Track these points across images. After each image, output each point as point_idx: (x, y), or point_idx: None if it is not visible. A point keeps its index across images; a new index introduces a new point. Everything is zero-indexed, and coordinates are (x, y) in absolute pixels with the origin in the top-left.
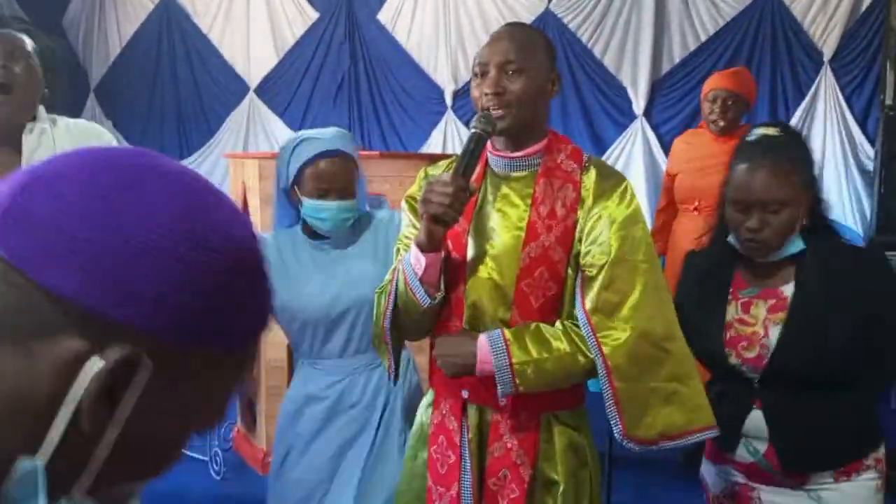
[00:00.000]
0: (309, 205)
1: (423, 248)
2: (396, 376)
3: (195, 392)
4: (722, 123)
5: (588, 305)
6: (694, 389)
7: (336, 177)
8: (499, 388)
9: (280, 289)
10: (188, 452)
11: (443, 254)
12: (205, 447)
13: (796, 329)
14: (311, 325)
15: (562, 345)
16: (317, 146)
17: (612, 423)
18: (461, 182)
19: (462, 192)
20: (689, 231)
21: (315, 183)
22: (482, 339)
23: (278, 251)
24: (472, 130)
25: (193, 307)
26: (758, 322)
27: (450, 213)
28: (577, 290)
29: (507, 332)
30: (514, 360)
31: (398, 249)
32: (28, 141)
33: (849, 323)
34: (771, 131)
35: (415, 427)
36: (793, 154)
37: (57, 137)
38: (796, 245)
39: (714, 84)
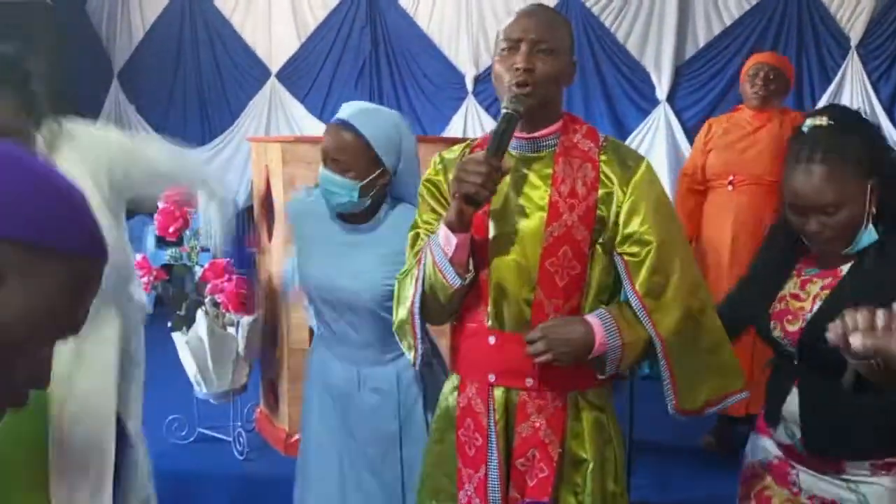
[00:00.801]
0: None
1: (453, 228)
2: (423, 362)
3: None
4: (763, 93)
5: (640, 290)
6: (727, 354)
7: (330, 147)
8: (607, 367)
9: (301, 248)
10: (212, 433)
11: (471, 235)
12: (228, 428)
13: (836, 304)
14: (317, 298)
15: (644, 325)
16: (339, 114)
17: (666, 398)
18: (494, 162)
19: (495, 172)
20: (724, 207)
21: (322, 147)
22: (593, 320)
23: (303, 217)
24: (504, 111)
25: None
26: (809, 297)
27: (483, 193)
28: (624, 276)
29: (614, 313)
30: (625, 340)
31: (417, 234)
32: None
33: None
34: (821, 121)
35: (439, 411)
36: (848, 145)
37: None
38: (869, 237)
39: (756, 60)
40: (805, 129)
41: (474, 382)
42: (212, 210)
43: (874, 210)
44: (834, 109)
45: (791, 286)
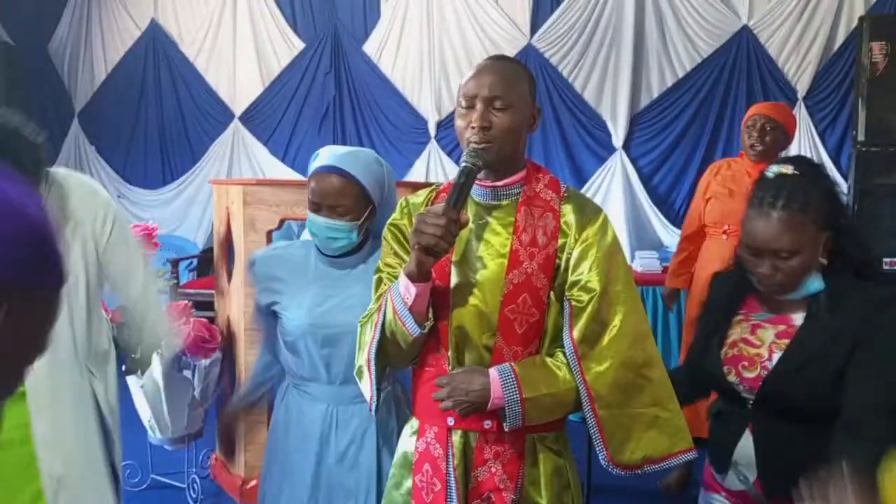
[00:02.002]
0: (308, 217)
1: (412, 278)
2: (377, 407)
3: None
4: (760, 147)
5: (576, 335)
6: (674, 413)
7: (326, 194)
8: (507, 421)
9: (284, 295)
10: (166, 479)
11: (431, 283)
12: (182, 474)
13: (796, 355)
14: (302, 341)
15: (567, 377)
16: (322, 160)
17: (597, 449)
18: (453, 214)
19: (454, 224)
20: (719, 254)
21: (310, 196)
22: (493, 374)
23: (291, 257)
24: (463, 164)
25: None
26: (763, 345)
27: (441, 245)
28: (566, 321)
29: (517, 367)
30: (525, 395)
31: (380, 278)
32: None
33: (845, 359)
34: (786, 169)
35: (397, 456)
36: (808, 196)
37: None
38: (815, 285)
39: (754, 111)
40: (771, 175)
41: (433, 426)
42: (155, 376)
43: (824, 261)
44: (801, 161)
45: (741, 331)
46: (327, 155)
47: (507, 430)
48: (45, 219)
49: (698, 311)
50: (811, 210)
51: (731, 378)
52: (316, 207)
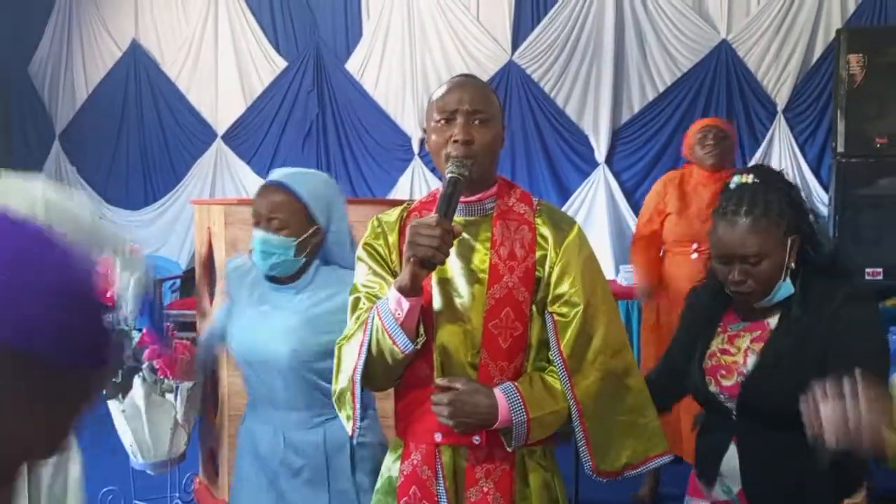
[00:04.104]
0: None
1: (405, 293)
2: (360, 433)
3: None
4: (716, 153)
5: (565, 350)
6: (650, 418)
7: (264, 206)
8: (513, 441)
9: (232, 311)
10: None
11: (422, 298)
12: (165, 499)
13: (771, 357)
14: (240, 360)
15: (563, 391)
16: (268, 177)
17: (583, 459)
18: (446, 224)
19: (448, 235)
20: (691, 274)
21: (253, 210)
22: (499, 394)
23: (238, 277)
24: (449, 175)
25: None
26: (739, 352)
27: (438, 256)
28: (552, 336)
29: (521, 387)
30: (531, 416)
31: (358, 298)
32: None
33: (819, 356)
34: (747, 178)
35: (380, 483)
36: (771, 201)
37: None
38: (786, 290)
39: (701, 124)
40: (732, 185)
41: (420, 447)
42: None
43: (793, 265)
44: (760, 169)
45: (719, 342)
46: (276, 173)
47: (509, 450)
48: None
49: (679, 326)
50: (774, 215)
51: (712, 388)
52: (256, 221)
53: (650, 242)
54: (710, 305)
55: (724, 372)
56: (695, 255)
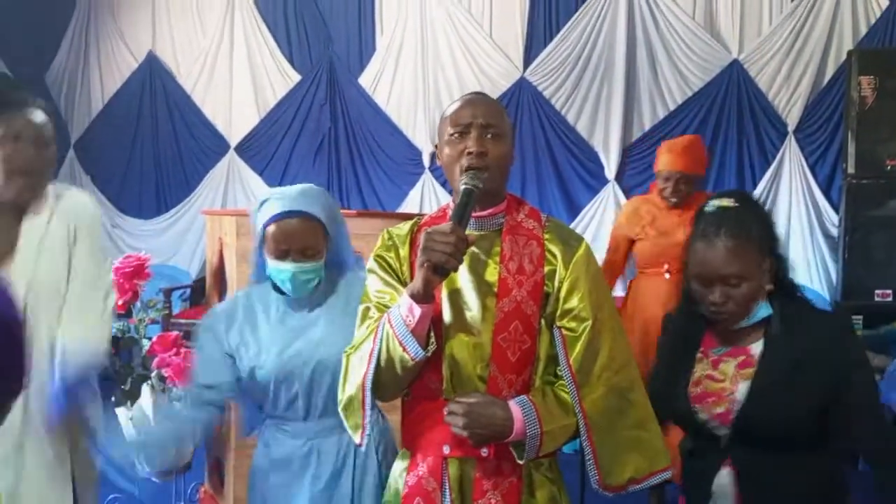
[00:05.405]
0: (271, 265)
1: (417, 299)
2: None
3: None
4: (675, 200)
5: (574, 365)
6: (653, 433)
7: (294, 238)
8: (525, 454)
9: (249, 344)
10: None
11: (434, 305)
12: None
13: (764, 384)
14: (274, 383)
15: (566, 411)
16: (278, 206)
17: (589, 474)
18: (460, 232)
19: (462, 242)
20: (660, 295)
21: (274, 244)
22: (514, 407)
23: (250, 307)
24: (464, 186)
25: None
26: (727, 378)
27: (452, 262)
28: (560, 350)
29: (536, 400)
30: (545, 429)
31: (368, 308)
32: (34, 223)
33: (814, 384)
34: (726, 202)
35: (388, 494)
36: (749, 224)
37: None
38: (763, 311)
39: (666, 165)
40: (710, 209)
41: (427, 458)
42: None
43: (770, 286)
44: (737, 193)
45: (703, 368)
46: (281, 200)
47: (521, 462)
48: (16, 320)
49: (657, 353)
50: (753, 237)
51: (702, 416)
52: (283, 254)
53: (610, 272)
54: (686, 329)
55: (713, 399)
56: (667, 276)
